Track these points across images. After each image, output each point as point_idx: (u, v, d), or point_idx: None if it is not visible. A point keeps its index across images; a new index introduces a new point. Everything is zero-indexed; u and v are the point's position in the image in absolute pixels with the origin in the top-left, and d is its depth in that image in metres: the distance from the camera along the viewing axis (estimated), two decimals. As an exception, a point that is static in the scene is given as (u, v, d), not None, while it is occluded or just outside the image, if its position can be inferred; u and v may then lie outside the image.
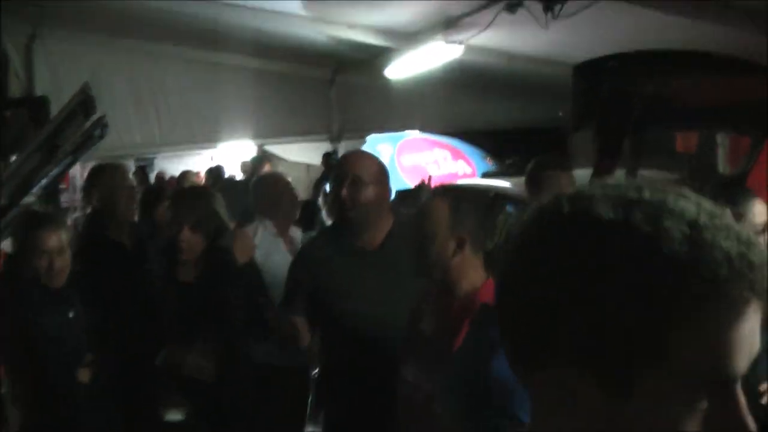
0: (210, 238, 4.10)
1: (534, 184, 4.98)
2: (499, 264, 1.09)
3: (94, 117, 5.13)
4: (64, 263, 3.93)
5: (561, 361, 0.97)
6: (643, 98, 4.95)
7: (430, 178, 8.14)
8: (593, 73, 5.29)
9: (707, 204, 0.99)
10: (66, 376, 3.85)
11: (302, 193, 14.89)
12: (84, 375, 3.90)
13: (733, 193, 3.95)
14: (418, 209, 3.31)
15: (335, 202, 3.82)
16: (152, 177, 19.81)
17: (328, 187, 4.03)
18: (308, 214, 9.24)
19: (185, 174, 15.59)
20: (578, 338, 0.95)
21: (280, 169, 16.15)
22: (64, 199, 13.81)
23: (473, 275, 3.06)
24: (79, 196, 14.40)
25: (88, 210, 5.23)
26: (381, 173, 3.85)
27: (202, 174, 19.55)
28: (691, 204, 0.98)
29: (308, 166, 16.07)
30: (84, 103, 4.51)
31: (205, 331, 4.08)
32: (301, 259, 4.02)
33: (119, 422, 4.02)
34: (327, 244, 3.93)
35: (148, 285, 4.09)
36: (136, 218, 4.89)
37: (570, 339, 0.95)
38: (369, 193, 3.76)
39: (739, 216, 3.59)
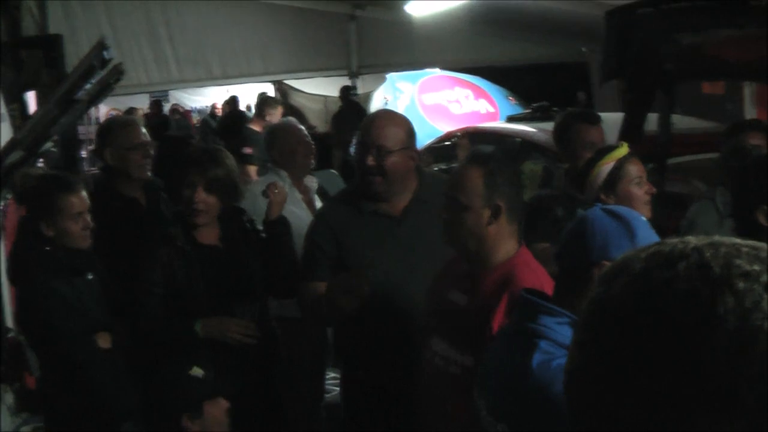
0: (226, 198, 4.03)
1: (562, 137, 4.86)
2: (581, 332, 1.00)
3: (110, 65, 5.01)
4: (89, 223, 3.89)
5: None
6: (678, 52, 4.78)
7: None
8: (625, 21, 5.10)
9: None
10: (85, 341, 3.79)
11: (320, 125, 14.86)
12: (104, 340, 3.85)
13: None
14: (451, 177, 3.23)
15: (360, 170, 3.75)
16: (167, 108, 19.83)
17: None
18: (324, 151, 9.12)
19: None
20: None
21: (298, 100, 16.10)
22: (81, 131, 13.79)
23: (508, 245, 3.02)
24: (95, 128, 14.39)
25: (101, 165, 5.09)
26: (407, 138, 3.75)
27: (219, 105, 19.57)
28: None
29: (326, 98, 15.99)
30: (101, 57, 4.39)
31: (242, 295, 4.04)
32: (322, 224, 3.93)
33: (141, 389, 3.96)
34: (348, 207, 3.84)
35: (168, 245, 3.99)
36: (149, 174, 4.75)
37: None
38: (395, 161, 3.67)
39: None
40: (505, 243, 3.00)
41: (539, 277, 2.85)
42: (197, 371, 3.40)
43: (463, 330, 2.98)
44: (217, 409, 3.32)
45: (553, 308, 2.21)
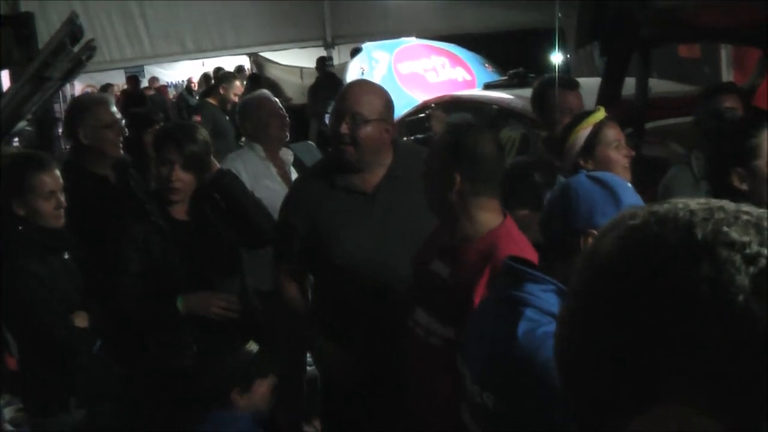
0: (202, 174, 4.00)
1: (541, 103, 4.86)
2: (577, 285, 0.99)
3: (82, 42, 4.96)
4: (62, 202, 3.85)
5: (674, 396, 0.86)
6: (653, 17, 4.75)
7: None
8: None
9: None
10: (61, 320, 3.76)
11: (297, 96, 14.76)
12: (81, 320, 3.82)
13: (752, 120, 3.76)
14: (428, 148, 3.19)
15: (333, 138, 3.67)
16: (144, 82, 19.65)
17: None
18: (301, 123, 9.05)
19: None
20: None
21: (274, 72, 15.97)
22: (57, 109, 13.66)
23: (488, 216, 2.94)
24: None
25: (71, 144, 4.99)
26: (384, 108, 3.66)
27: (195, 80, 19.41)
28: None
29: (302, 70, 15.86)
30: (72, 32, 4.33)
31: (222, 269, 4.03)
32: (294, 199, 3.88)
33: (120, 368, 3.94)
34: (321, 182, 3.76)
35: (143, 222, 3.95)
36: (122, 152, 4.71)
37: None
38: (369, 131, 3.59)
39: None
40: (482, 214, 2.93)
41: (522, 249, 2.77)
42: (252, 346, 3.45)
43: (444, 302, 2.94)
44: (266, 385, 3.44)
45: (538, 275, 2.19)
